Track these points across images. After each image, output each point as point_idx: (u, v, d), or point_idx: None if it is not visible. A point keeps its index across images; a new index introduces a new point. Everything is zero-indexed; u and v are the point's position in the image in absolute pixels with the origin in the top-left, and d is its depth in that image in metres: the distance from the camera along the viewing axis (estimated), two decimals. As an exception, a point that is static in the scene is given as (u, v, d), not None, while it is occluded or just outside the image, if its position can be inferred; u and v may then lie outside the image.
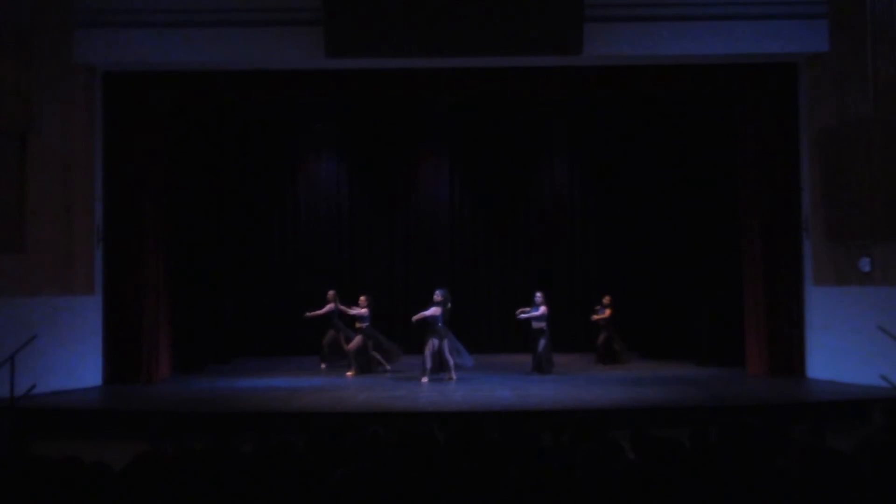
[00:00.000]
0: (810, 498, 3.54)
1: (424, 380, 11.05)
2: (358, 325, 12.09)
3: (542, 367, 11.84)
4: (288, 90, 11.87)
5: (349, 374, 11.89)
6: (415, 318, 11.46)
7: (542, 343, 11.89)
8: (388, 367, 12.15)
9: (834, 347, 10.86)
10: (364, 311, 12.08)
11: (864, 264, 10.38)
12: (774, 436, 4.67)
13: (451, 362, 11.26)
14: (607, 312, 13.27)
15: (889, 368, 9.34)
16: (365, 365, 12.04)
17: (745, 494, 3.60)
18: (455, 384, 10.86)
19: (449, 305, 11.50)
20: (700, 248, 12.96)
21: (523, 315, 12.09)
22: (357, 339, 12.05)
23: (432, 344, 11.19)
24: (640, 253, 14.18)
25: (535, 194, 15.33)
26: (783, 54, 11.06)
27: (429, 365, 11.15)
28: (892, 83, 9.94)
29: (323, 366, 12.55)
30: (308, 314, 12.59)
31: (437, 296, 11.38)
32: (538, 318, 11.96)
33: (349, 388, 10.64)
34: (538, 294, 12.12)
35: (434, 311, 11.28)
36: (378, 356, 12.22)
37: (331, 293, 12.69)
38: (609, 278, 14.87)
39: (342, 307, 12.48)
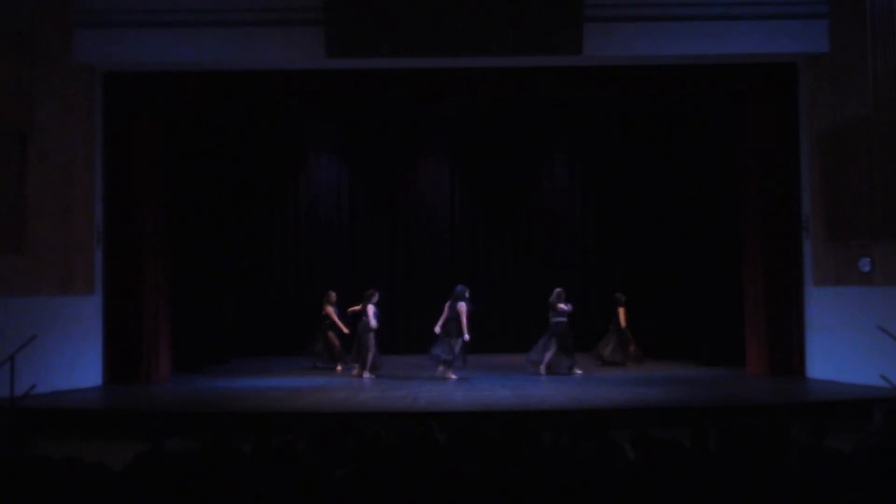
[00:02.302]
0: (810, 498, 3.54)
1: (454, 376, 11.17)
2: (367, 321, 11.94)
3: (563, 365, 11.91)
4: (288, 90, 11.86)
5: (366, 374, 11.70)
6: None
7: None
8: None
9: (834, 347, 10.86)
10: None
11: (864, 264, 10.38)
12: (774, 436, 4.67)
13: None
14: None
15: (889, 368, 9.32)
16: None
17: (744, 494, 3.60)
18: (455, 384, 10.86)
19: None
20: (700, 248, 12.96)
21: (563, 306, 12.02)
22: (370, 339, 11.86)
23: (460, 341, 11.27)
24: (641, 253, 14.19)
25: (536, 194, 15.33)
26: (783, 54, 11.06)
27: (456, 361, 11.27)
28: (892, 83, 9.95)
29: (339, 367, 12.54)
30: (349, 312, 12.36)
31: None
32: (565, 314, 11.96)
33: (349, 388, 10.64)
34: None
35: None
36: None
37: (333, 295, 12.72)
38: (609, 278, 14.88)
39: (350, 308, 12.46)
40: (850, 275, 10.62)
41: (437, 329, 11.50)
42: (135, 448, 4.76)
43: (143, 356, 11.33)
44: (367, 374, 11.61)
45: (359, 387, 10.79)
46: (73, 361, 10.73)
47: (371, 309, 11.69)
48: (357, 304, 12.11)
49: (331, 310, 12.63)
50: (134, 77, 11.39)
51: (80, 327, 10.93)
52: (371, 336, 11.67)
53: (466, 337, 11.26)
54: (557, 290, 12.03)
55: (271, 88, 11.73)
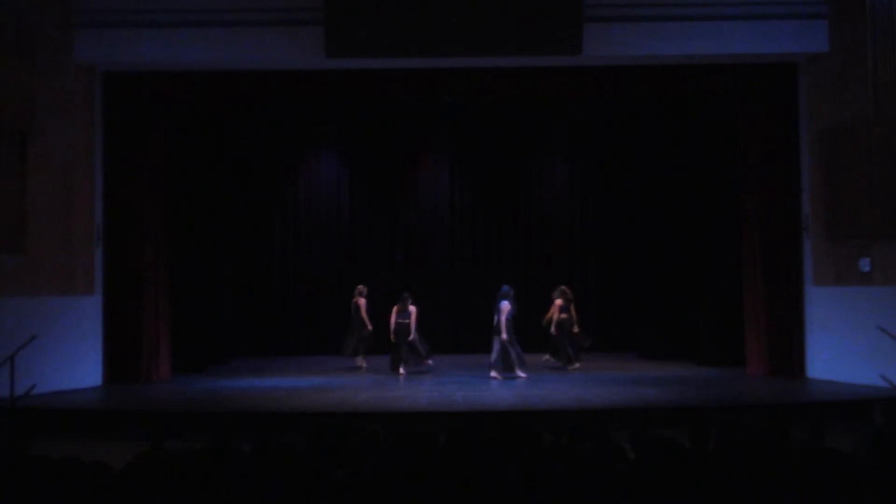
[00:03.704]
0: (810, 498, 3.54)
1: (496, 374, 11.29)
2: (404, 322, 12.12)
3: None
4: (288, 90, 11.86)
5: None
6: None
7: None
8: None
9: (834, 347, 10.86)
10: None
11: (864, 264, 10.38)
12: (774, 436, 4.67)
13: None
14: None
15: (889, 368, 9.34)
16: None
17: (744, 494, 3.60)
18: (455, 384, 10.86)
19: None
20: (700, 248, 12.96)
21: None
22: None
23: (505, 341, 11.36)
24: (641, 252, 14.18)
25: (535, 194, 15.34)
26: (783, 54, 11.06)
27: (499, 361, 11.34)
28: (892, 83, 9.95)
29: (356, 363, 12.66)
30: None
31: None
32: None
33: (349, 388, 10.64)
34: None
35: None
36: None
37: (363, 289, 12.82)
38: (609, 278, 14.89)
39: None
40: (850, 275, 10.62)
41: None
42: (135, 448, 4.76)
43: (143, 356, 11.32)
44: (402, 371, 11.95)
45: (359, 387, 10.78)
46: (73, 361, 10.73)
47: (414, 310, 12.10)
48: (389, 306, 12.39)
49: (363, 302, 12.63)
50: (134, 77, 11.39)
51: (80, 327, 10.93)
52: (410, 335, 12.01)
53: (504, 336, 11.24)
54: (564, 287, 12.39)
55: (271, 88, 11.73)
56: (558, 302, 12.27)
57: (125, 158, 11.41)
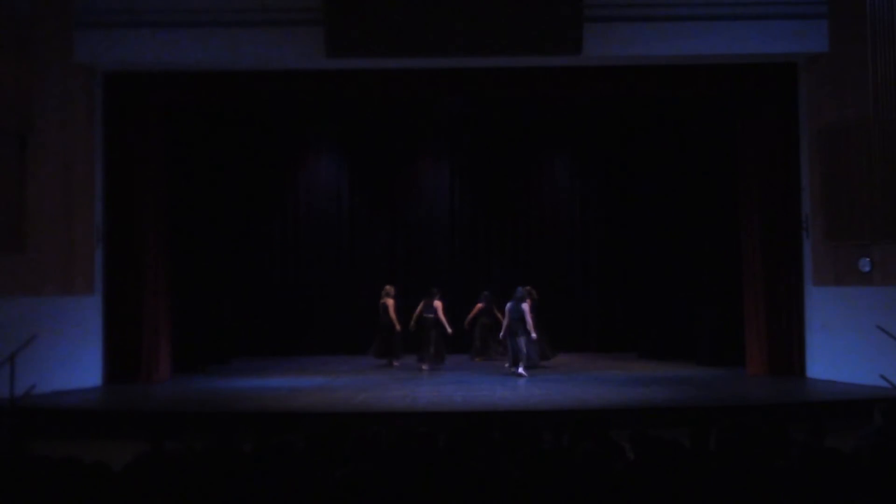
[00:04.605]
0: (810, 498, 3.54)
1: (524, 373, 11.49)
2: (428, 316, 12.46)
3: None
4: (288, 90, 11.86)
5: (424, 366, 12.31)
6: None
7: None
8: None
9: (834, 347, 10.86)
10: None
11: (864, 264, 10.38)
12: (774, 436, 4.67)
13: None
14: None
15: (889, 368, 9.32)
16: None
17: (744, 494, 3.60)
18: (455, 384, 10.86)
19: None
20: (700, 248, 12.96)
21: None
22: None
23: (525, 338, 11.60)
24: (641, 253, 14.18)
25: (535, 194, 15.33)
26: (783, 54, 11.06)
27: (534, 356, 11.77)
28: (893, 83, 9.95)
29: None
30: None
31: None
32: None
33: (349, 388, 10.64)
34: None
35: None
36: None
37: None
38: (609, 278, 14.89)
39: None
40: (850, 275, 10.62)
41: (502, 335, 11.95)
42: (135, 448, 4.76)
43: (143, 356, 11.33)
44: (425, 367, 12.20)
45: (359, 387, 10.78)
46: (73, 361, 10.73)
47: (440, 304, 12.44)
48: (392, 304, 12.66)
49: (391, 303, 12.72)
50: (134, 77, 11.40)
51: (80, 327, 10.93)
52: (436, 331, 12.34)
53: (534, 335, 11.61)
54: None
55: (271, 88, 11.73)
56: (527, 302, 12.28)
57: (125, 159, 11.41)
